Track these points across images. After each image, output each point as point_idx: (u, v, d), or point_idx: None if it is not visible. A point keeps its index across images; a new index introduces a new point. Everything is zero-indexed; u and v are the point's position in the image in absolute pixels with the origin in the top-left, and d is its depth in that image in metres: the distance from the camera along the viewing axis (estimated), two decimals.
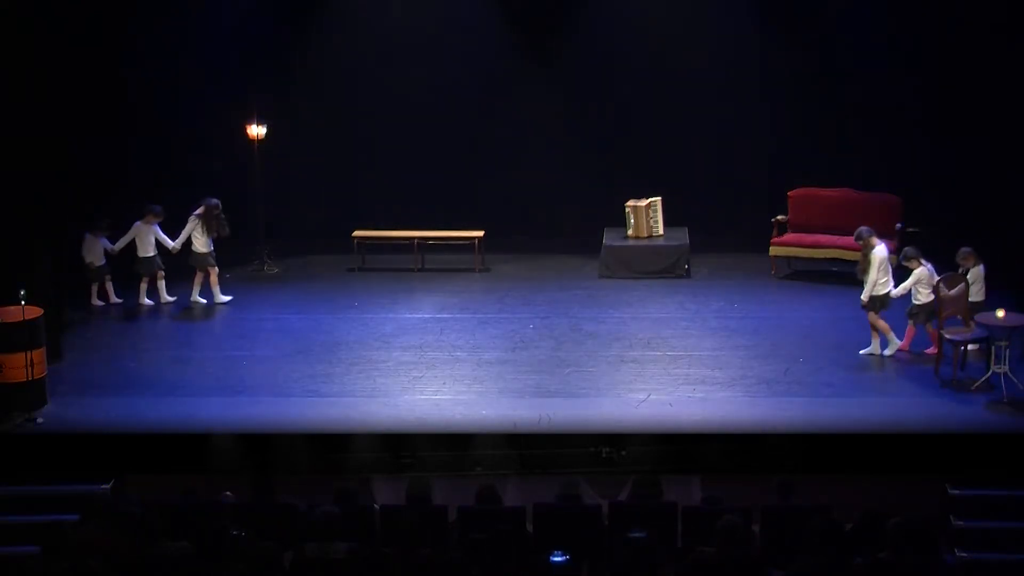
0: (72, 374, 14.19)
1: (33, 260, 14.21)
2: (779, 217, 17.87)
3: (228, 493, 11.43)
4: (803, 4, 18.51)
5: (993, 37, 17.14)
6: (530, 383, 13.88)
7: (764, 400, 13.36)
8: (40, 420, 12.93)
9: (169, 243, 16.68)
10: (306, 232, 19.00)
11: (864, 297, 14.38)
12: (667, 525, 10.74)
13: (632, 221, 18.12)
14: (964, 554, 11.58)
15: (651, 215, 18.17)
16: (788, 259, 17.72)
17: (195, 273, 16.68)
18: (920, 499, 11.80)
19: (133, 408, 13.25)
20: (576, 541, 10.26)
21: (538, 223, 18.92)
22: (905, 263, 14.39)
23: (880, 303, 14.35)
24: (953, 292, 14.05)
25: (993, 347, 13.42)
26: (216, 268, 16.69)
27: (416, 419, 12.91)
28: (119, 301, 16.77)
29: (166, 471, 12.43)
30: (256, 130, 17.97)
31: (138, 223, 16.62)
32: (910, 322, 14.45)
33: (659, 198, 18.21)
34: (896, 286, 14.42)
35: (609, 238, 18.12)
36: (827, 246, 17.40)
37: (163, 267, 16.68)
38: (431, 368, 14.36)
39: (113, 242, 16.70)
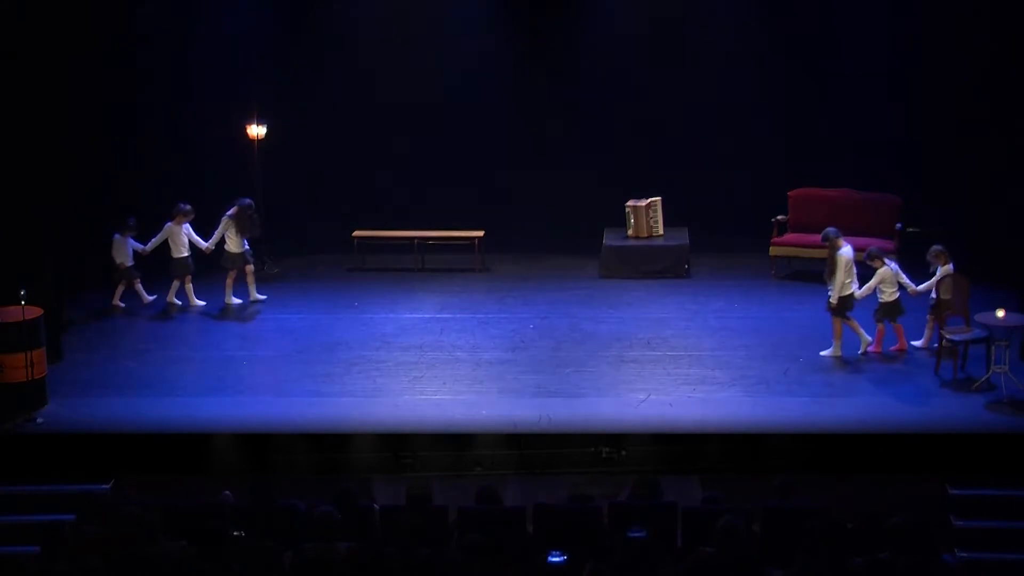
0: (72, 374, 14.20)
1: (33, 260, 14.21)
2: (779, 217, 17.86)
3: (228, 493, 11.42)
4: (804, 4, 18.52)
5: (993, 37, 17.15)
6: (530, 383, 13.88)
7: (764, 400, 13.36)
8: (40, 420, 12.95)
9: (202, 244, 16.54)
10: (306, 232, 19.01)
11: (833, 300, 14.36)
12: (667, 525, 10.70)
13: (632, 221, 18.12)
14: (964, 554, 11.56)
15: (651, 215, 18.17)
16: (788, 259, 17.71)
17: (227, 274, 16.58)
18: (920, 499, 11.80)
19: (133, 408, 13.26)
20: (576, 541, 10.24)
21: (538, 223, 18.91)
22: (868, 262, 14.39)
23: (846, 304, 14.35)
24: (953, 292, 14.04)
25: (993, 347, 13.42)
26: (251, 265, 16.61)
27: (416, 419, 12.92)
28: (152, 299, 16.67)
29: (166, 471, 12.45)
30: (256, 130, 17.98)
31: (169, 224, 16.48)
32: (878, 323, 14.45)
33: (659, 198, 18.21)
34: (860, 287, 14.40)
35: (609, 238, 18.12)
36: None
37: (193, 269, 16.55)
38: (431, 368, 14.36)
39: (143, 243, 16.64)
